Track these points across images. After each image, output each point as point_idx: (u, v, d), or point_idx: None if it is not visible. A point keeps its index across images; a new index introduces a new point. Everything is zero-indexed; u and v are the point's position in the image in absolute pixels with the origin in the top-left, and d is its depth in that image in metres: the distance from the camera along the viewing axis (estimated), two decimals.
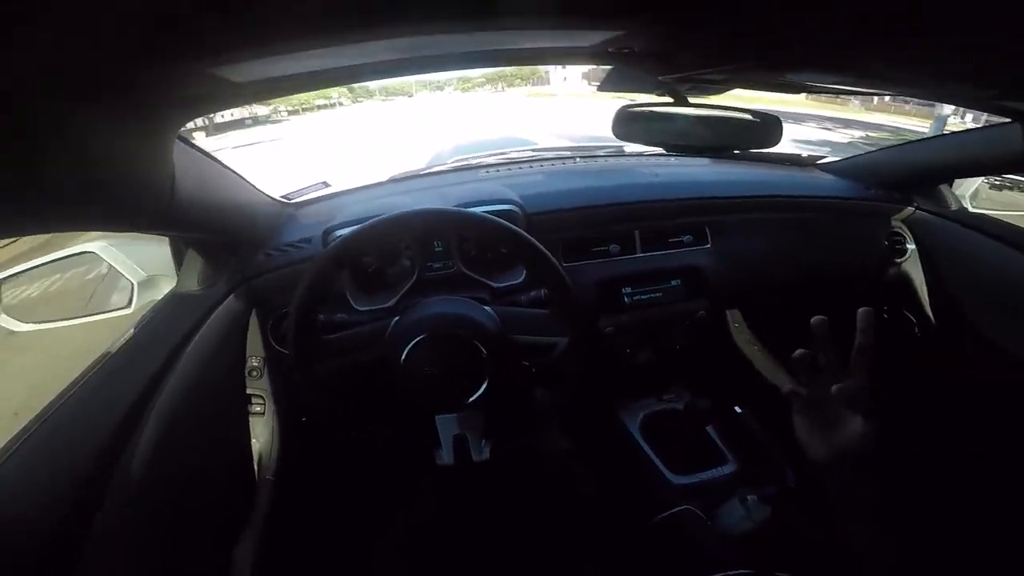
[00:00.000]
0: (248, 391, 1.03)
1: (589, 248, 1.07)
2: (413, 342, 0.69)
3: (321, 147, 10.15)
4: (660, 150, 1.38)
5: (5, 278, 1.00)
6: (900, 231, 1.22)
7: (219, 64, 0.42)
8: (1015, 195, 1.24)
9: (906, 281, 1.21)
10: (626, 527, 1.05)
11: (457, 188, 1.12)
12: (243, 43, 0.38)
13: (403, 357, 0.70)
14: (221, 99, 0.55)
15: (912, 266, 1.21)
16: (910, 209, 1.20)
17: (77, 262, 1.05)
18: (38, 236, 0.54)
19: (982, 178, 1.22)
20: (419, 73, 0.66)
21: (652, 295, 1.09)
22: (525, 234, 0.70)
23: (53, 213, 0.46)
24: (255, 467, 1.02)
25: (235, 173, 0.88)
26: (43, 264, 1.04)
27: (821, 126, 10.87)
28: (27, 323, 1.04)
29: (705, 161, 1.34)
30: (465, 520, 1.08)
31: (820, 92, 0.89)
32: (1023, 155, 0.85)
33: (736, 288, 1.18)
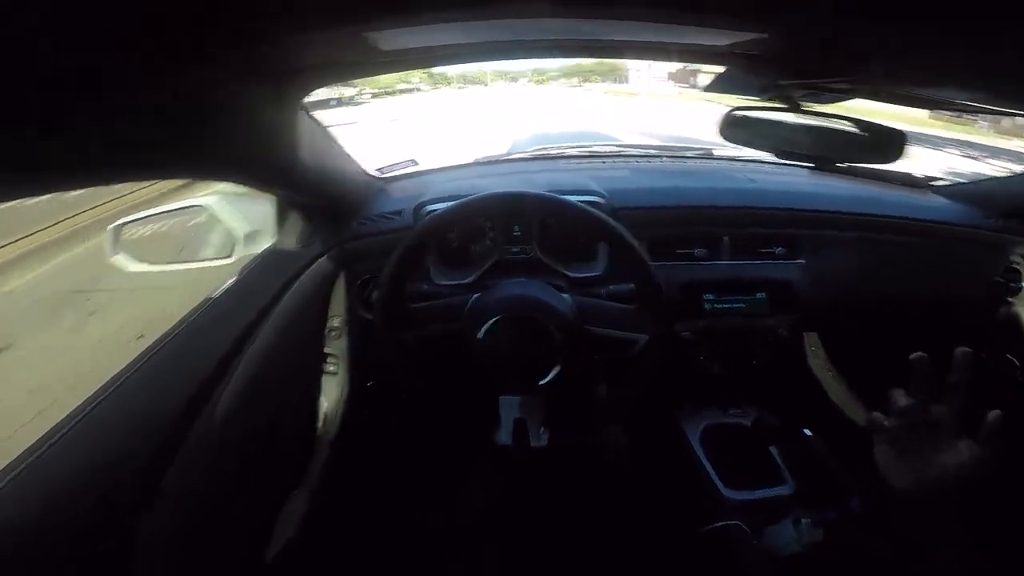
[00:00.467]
0: (326, 350, 1.09)
1: (674, 249, 1.05)
2: (491, 320, 0.72)
3: (404, 128, 10.58)
4: (754, 155, 1.32)
5: (126, 223, 1.14)
6: (1019, 267, 1.11)
7: (371, 30, 0.45)
8: None
9: (1016, 322, 1.10)
10: (670, 533, 1.03)
11: (541, 175, 1.14)
12: (399, 10, 0.41)
13: (480, 334, 0.73)
14: (358, 68, 0.59)
15: None
16: None
17: (189, 213, 1.17)
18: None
19: None
20: (544, 57, 0.68)
21: (735, 305, 1.06)
22: (622, 229, 0.71)
23: (198, 164, 0.52)
24: (319, 424, 1.08)
25: (339, 145, 0.94)
26: (160, 213, 1.18)
27: (964, 153, 9.29)
28: (141, 264, 1.19)
29: (803, 172, 1.27)
30: (513, 501, 1.10)
31: (947, 109, 0.82)
32: None
33: (825, 308, 1.11)
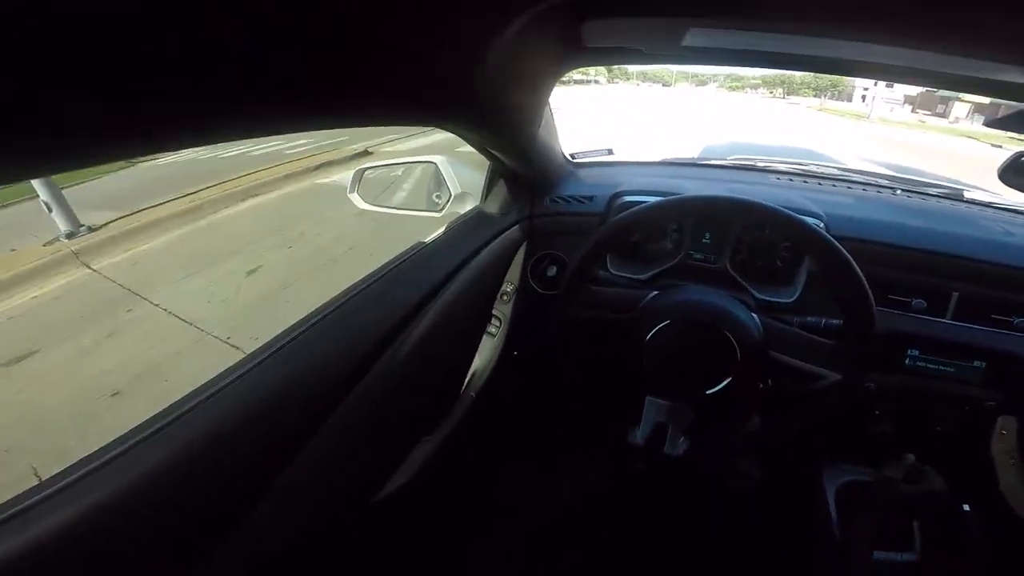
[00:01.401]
0: (493, 312, 1.19)
1: (887, 294, 0.94)
2: (665, 322, 0.74)
3: (584, 118, 10.83)
4: (1016, 203, 1.11)
5: (367, 168, 1.41)
6: None
7: (688, 24, 0.49)
8: None
9: None
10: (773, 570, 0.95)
11: (746, 187, 1.10)
12: (722, 10, 0.44)
13: (653, 332, 0.75)
14: (638, 57, 0.64)
15: None
16: None
17: (419, 168, 1.41)
18: None
19: None
20: (837, 74, 0.67)
21: (943, 368, 0.92)
22: (850, 259, 0.67)
23: (447, 115, 0.59)
24: (466, 380, 1.14)
25: (554, 124, 1.03)
26: (396, 164, 1.44)
27: None
28: (369, 204, 1.47)
29: None
30: (630, 502, 1.12)
31: None
32: None
33: None
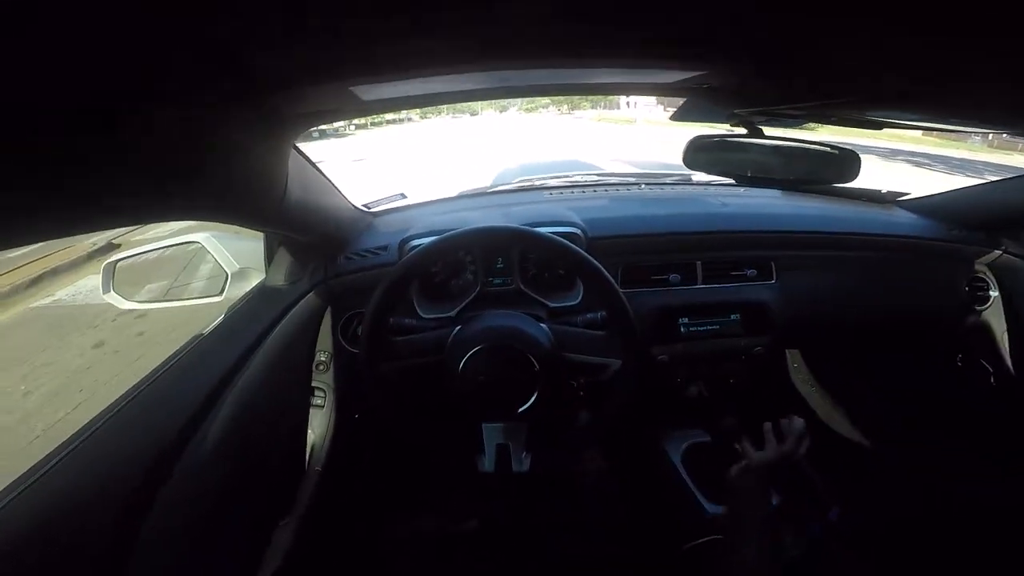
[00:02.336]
0: (313, 384, 1.13)
1: (648, 276, 1.11)
2: (472, 352, 0.77)
3: (392, 162, 10.89)
4: (729, 180, 1.40)
5: (121, 260, 1.20)
6: (983, 276, 1.18)
7: (356, 84, 0.51)
8: None
9: (986, 328, 1.17)
10: (654, 551, 1.05)
11: (522, 208, 1.21)
12: (383, 68, 0.47)
13: (461, 365, 0.78)
14: (343, 113, 0.66)
15: (994, 313, 1.17)
16: (996, 252, 1.16)
17: (183, 250, 1.24)
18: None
19: None
20: (510, 97, 0.75)
21: (709, 327, 1.11)
22: (589, 258, 0.77)
23: (189, 205, 0.57)
24: (307, 456, 1.12)
25: (330, 181, 1.00)
26: (153, 250, 1.25)
27: (952, 169, 9.35)
28: (132, 301, 1.24)
29: (776, 193, 1.34)
30: (497, 526, 1.12)
31: (901, 128, 0.90)
32: None
33: (800, 327, 1.17)
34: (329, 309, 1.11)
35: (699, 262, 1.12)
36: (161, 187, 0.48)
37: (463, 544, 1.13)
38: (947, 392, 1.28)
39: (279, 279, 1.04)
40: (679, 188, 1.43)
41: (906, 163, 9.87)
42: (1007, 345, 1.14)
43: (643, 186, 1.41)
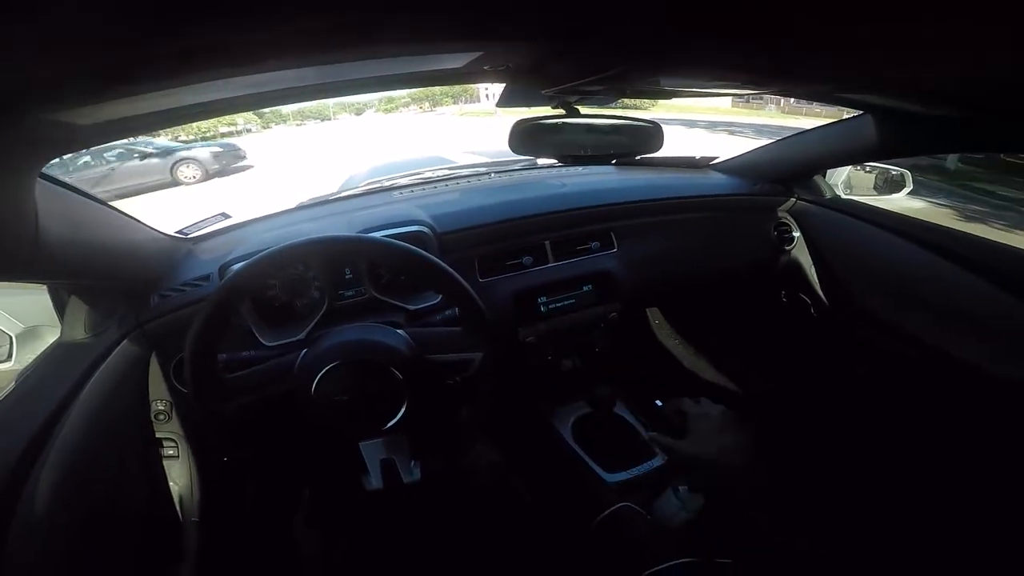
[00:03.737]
0: (158, 435, 1.03)
1: (504, 262, 1.15)
2: (323, 371, 0.73)
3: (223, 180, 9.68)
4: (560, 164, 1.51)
5: None
6: (786, 221, 1.41)
7: (55, 110, 0.44)
8: (873, 177, 1.44)
9: (797, 266, 1.40)
10: (567, 531, 1.11)
11: (366, 212, 1.17)
12: (78, 88, 0.40)
13: (314, 387, 0.73)
14: (68, 142, 0.56)
15: (800, 252, 1.40)
16: (792, 200, 1.40)
17: None
18: None
19: (851, 167, 1.42)
20: (287, 103, 0.71)
21: (566, 302, 1.19)
22: (422, 252, 0.76)
23: None
24: (178, 511, 1.04)
25: (116, 210, 0.88)
26: None
27: (756, 134, 11.20)
28: None
29: (611, 169, 1.48)
30: (402, 542, 1.10)
31: (692, 96, 1.05)
32: (876, 144, 1.04)
33: (645, 287, 1.30)
34: (154, 355, 0.98)
35: (547, 242, 1.19)
36: None
37: (371, 566, 1.09)
38: (781, 325, 1.51)
39: (78, 333, 0.89)
40: (525, 173, 1.50)
41: (725, 133, 11.63)
42: (815, 277, 1.36)
43: (492, 175, 1.46)
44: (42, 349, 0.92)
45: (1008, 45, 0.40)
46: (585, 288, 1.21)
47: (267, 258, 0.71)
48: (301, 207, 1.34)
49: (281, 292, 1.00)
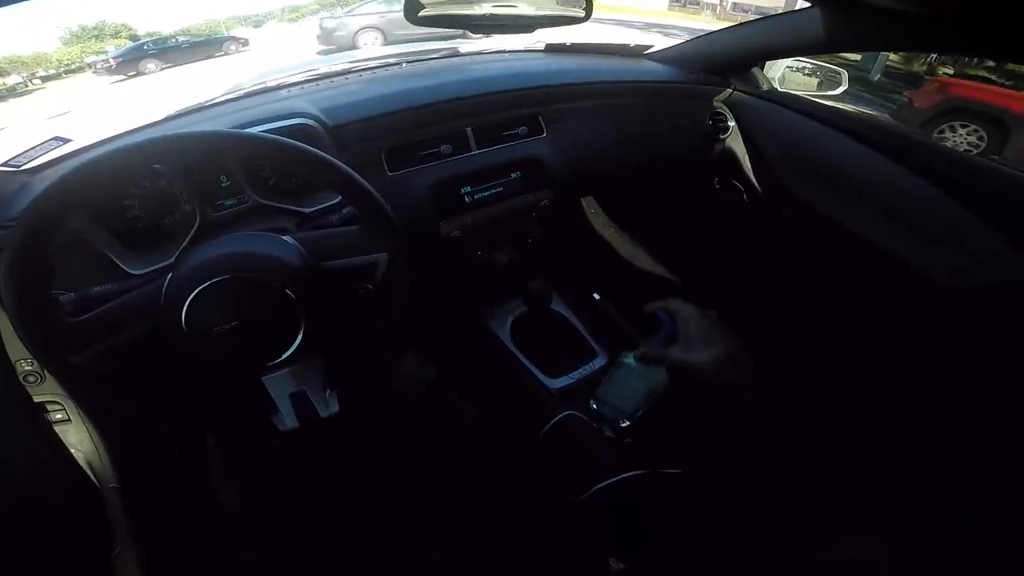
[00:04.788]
0: (37, 399, 0.89)
1: (417, 152, 1.03)
2: (191, 296, 0.59)
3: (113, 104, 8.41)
4: (497, 46, 1.40)
5: None
6: (722, 111, 1.38)
7: None
8: (808, 78, 1.46)
9: (731, 155, 1.39)
10: (513, 443, 1.09)
11: (244, 113, 0.97)
12: None
13: (183, 318, 0.60)
14: None
15: (734, 141, 1.38)
16: (728, 91, 1.36)
17: None
18: None
19: (786, 63, 1.40)
20: None
21: (493, 191, 1.10)
22: (286, 140, 0.62)
23: None
24: (93, 478, 0.95)
25: None
26: None
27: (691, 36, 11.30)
28: None
29: (539, 55, 1.36)
30: (334, 479, 1.05)
31: None
32: (823, 38, 0.99)
33: (578, 175, 1.23)
34: None
35: (469, 128, 1.07)
36: None
37: (304, 511, 1.03)
38: (713, 212, 1.52)
39: None
40: (444, 62, 1.35)
41: (659, 33, 11.41)
42: (749, 165, 1.36)
43: (404, 64, 1.28)
44: None
45: None
46: (513, 175, 1.12)
47: (91, 163, 0.54)
48: (168, 118, 1.10)
49: (142, 211, 0.82)
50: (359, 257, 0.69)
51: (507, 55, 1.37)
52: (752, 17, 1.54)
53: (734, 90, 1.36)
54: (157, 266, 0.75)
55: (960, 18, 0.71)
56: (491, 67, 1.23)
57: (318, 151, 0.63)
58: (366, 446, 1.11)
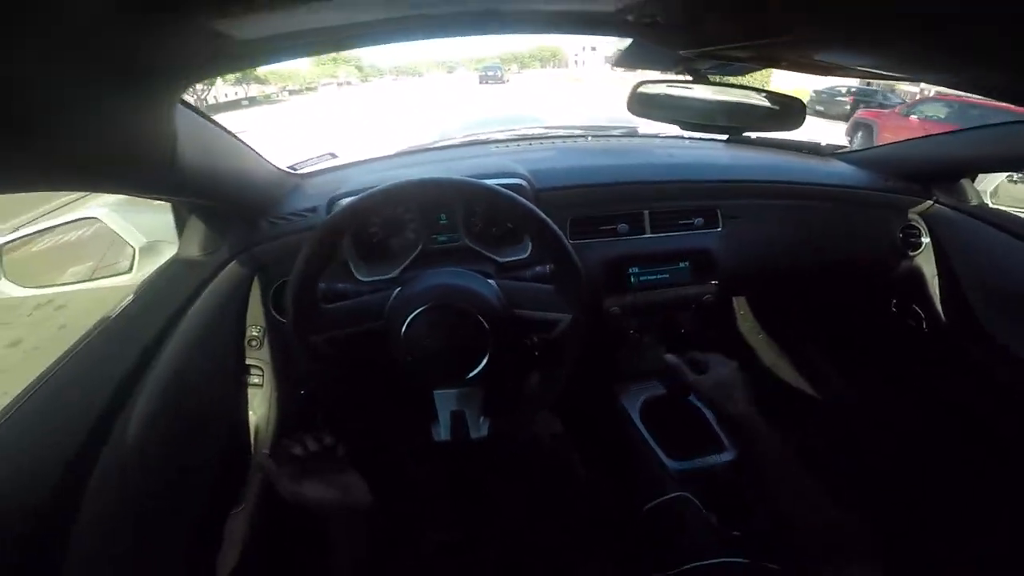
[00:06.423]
0: (247, 361, 1.07)
1: (597, 226, 1.10)
2: (414, 313, 0.72)
3: (329, 125, 10.32)
4: (675, 131, 1.42)
5: (7, 243, 1.06)
6: (916, 224, 1.25)
7: (222, 18, 0.44)
8: None
9: (918, 275, 1.25)
10: (618, 512, 1.07)
11: (466, 162, 1.16)
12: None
13: (404, 328, 0.73)
14: (224, 60, 0.57)
15: (925, 260, 1.24)
16: (928, 202, 1.23)
17: (80, 227, 1.11)
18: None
19: (1004, 174, 1.23)
20: (424, 37, 0.67)
21: (659, 276, 1.12)
22: (530, 205, 0.73)
23: (54, 172, 0.50)
24: (251, 440, 1.07)
25: (240, 141, 0.91)
26: (46, 229, 1.11)
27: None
28: (28, 287, 1.11)
29: (721, 145, 1.36)
30: (459, 497, 1.12)
31: (853, 75, 0.91)
32: None
33: (745, 273, 1.20)
34: (257, 279, 1.03)
35: (647, 211, 1.12)
36: (21, 151, 0.42)
37: (425, 516, 1.11)
38: (884, 337, 1.36)
39: (193, 251, 0.95)
40: (625, 140, 1.43)
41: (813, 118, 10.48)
42: (937, 290, 1.21)
43: (589, 138, 1.39)
44: (159, 263, 0.99)
45: None
46: (681, 265, 1.13)
47: (380, 193, 0.70)
48: (400, 154, 1.36)
49: (380, 230, 1.01)
50: (548, 312, 0.78)
51: (687, 142, 1.39)
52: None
53: (936, 202, 1.22)
54: (381, 277, 0.92)
55: None
56: (675, 153, 1.27)
57: (539, 211, 0.74)
58: (489, 475, 1.17)
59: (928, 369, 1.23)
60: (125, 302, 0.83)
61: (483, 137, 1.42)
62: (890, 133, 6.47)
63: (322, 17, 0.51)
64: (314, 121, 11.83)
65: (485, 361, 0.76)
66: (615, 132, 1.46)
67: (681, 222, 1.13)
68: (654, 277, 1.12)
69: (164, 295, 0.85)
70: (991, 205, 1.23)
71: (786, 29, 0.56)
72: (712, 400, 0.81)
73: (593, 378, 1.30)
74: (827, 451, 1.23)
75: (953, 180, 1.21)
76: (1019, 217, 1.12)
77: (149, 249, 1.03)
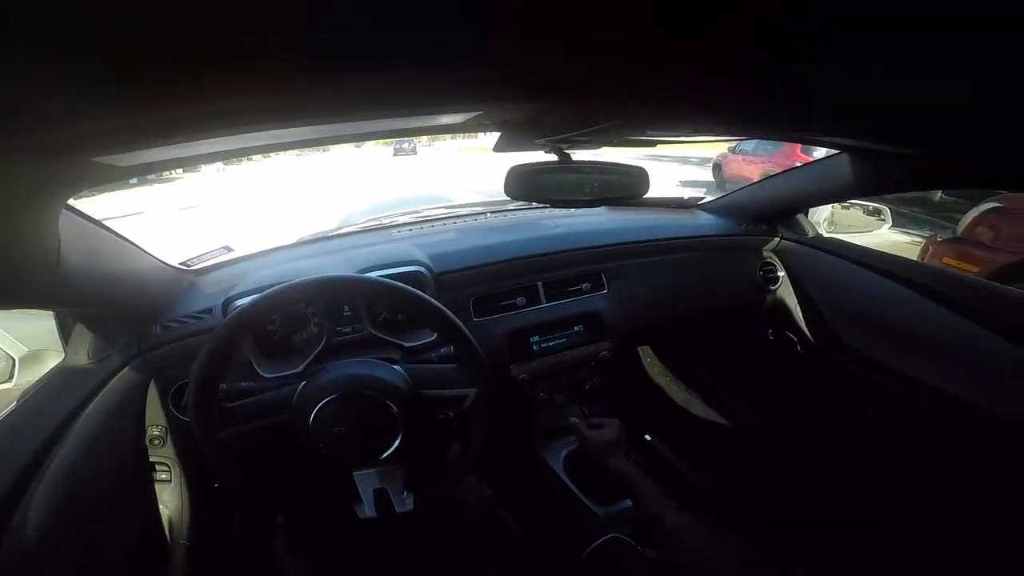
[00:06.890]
0: (152, 459, 1.04)
1: (498, 302, 1.19)
2: (322, 403, 0.76)
3: (225, 209, 9.90)
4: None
5: None
6: (771, 260, 1.45)
7: (103, 154, 0.47)
8: (857, 213, 1.52)
9: (782, 305, 1.44)
10: (556, 563, 1.10)
11: (365, 251, 1.21)
12: (128, 137, 0.43)
13: (311, 419, 0.76)
14: (106, 179, 0.60)
15: (785, 291, 1.44)
16: (776, 239, 1.44)
17: None
18: None
19: (834, 204, 1.47)
20: (305, 147, 0.76)
21: (558, 341, 1.22)
22: (424, 296, 0.82)
23: None
24: (167, 534, 1.05)
25: (127, 241, 0.91)
26: None
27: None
28: None
29: (602, 211, 1.53)
30: (390, 571, 1.09)
31: (675, 142, 1.09)
32: (854, 182, 1.06)
33: (634, 328, 1.33)
34: (153, 381, 1.00)
35: (540, 283, 1.23)
36: None
37: None
38: (769, 363, 1.54)
39: (81, 358, 0.92)
40: (520, 214, 1.55)
41: (695, 166, 11.90)
42: (800, 315, 1.40)
43: (488, 215, 1.51)
44: (43, 372, 0.94)
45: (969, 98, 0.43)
46: (576, 328, 1.24)
47: (274, 295, 0.75)
48: (301, 243, 1.38)
49: (280, 327, 1.04)
50: (452, 390, 0.86)
51: (572, 211, 1.52)
52: None
53: (782, 238, 1.43)
54: (284, 373, 0.93)
55: (950, 157, 0.76)
56: (561, 223, 1.40)
57: (437, 304, 0.82)
58: (423, 545, 1.17)
59: (812, 384, 1.40)
60: (7, 410, 0.79)
61: (386, 222, 1.49)
62: (729, 169, 8.32)
63: (206, 145, 0.56)
64: (211, 201, 11.26)
65: (398, 441, 0.81)
66: (511, 207, 1.58)
67: (570, 289, 1.25)
68: (553, 343, 1.22)
69: (49, 403, 0.82)
70: (826, 233, 1.45)
71: (615, 115, 0.70)
72: (599, 456, 0.94)
73: (514, 440, 1.36)
74: (744, 477, 1.36)
75: (790, 216, 1.43)
76: (850, 243, 1.34)
77: (32, 358, 0.97)
